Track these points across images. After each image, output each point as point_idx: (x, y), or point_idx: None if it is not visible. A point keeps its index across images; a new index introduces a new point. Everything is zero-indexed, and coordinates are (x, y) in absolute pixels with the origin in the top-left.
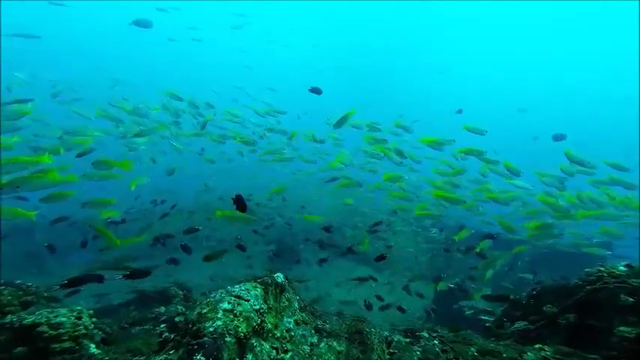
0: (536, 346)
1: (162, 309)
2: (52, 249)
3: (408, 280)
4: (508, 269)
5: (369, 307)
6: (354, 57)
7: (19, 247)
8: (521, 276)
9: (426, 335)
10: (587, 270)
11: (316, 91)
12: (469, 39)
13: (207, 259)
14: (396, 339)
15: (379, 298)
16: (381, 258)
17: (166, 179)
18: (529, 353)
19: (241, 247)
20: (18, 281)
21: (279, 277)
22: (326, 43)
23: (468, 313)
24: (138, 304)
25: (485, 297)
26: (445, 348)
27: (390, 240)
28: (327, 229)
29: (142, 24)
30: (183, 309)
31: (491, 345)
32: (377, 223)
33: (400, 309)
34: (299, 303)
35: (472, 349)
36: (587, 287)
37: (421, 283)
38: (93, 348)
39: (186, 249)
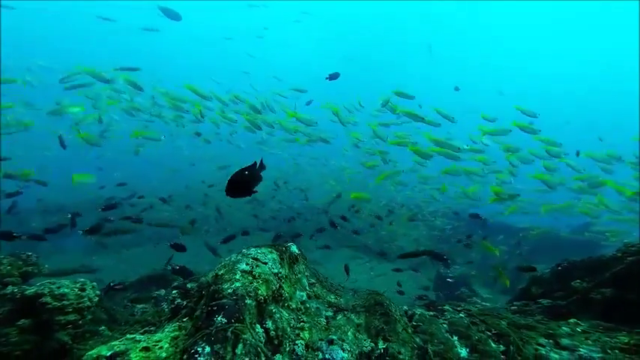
0: (571, 320)
1: (162, 292)
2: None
3: (408, 267)
4: (508, 258)
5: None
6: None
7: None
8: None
9: (450, 309)
10: (626, 241)
11: (334, 76)
12: (476, 37)
13: (183, 232)
14: (418, 312)
15: (400, 292)
16: (333, 225)
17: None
18: (564, 328)
19: (246, 232)
20: None
21: (293, 247)
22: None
23: (465, 296)
24: (136, 288)
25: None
26: (474, 320)
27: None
28: (343, 218)
29: (171, 15)
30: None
31: (522, 320)
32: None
33: (422, 298)
34: (310, 278)
35: (503, 322)
36: (629, 259)
37: (422, 269)
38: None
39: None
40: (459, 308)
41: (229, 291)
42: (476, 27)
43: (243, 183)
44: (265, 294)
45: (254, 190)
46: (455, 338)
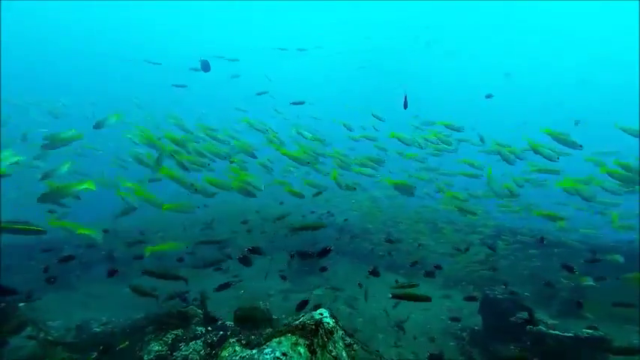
0: None
1: (180, 332)
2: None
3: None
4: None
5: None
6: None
7: (47, 261)
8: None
9: None
10: None
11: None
12: (480, 37)
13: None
14: None
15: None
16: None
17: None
18: None
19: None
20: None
21: (326, 316)
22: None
23: (541, 327)
24: (154, 324)
25: None
26: None
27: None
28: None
29: (204, 67)
30: (203, 330)
31: None
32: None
33: (455, 319)
34: (346, 338)
35: None
36: None
37: (457, 290)
38: None
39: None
40: None
41: None
42: (479, 24)
43: None
44: None
45: None
46: None
